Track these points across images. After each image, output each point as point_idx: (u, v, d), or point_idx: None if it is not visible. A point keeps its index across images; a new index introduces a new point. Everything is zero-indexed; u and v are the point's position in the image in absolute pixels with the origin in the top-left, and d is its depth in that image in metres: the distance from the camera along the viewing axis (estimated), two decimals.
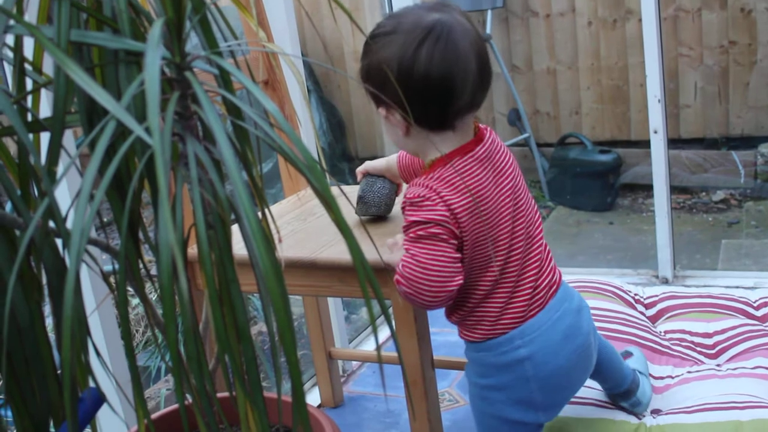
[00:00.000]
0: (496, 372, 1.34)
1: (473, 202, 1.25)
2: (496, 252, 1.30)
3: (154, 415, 1.26)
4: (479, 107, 1.29)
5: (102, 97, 0.64)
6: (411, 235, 1.26)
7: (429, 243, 1.24)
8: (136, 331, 2.69)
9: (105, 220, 0.93)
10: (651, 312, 2.19)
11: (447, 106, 1.24)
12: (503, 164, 1.32)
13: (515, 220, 1.31)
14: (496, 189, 1.30)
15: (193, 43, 0.81)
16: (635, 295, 2.23)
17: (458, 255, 1.26)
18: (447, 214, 1.24)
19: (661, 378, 1.82)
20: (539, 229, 1.36)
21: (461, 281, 1.26)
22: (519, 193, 1.33)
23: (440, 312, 2.59)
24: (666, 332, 2.04)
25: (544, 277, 1.34)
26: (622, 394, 1.64)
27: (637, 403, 1.65)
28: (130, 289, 0.86)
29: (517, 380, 1.33)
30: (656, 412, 1.69)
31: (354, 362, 2.33)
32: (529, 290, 1.33)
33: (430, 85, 1.21)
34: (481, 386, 1.38)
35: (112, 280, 0.88)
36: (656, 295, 2.24)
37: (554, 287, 1.36)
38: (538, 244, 1.35)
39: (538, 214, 1.37)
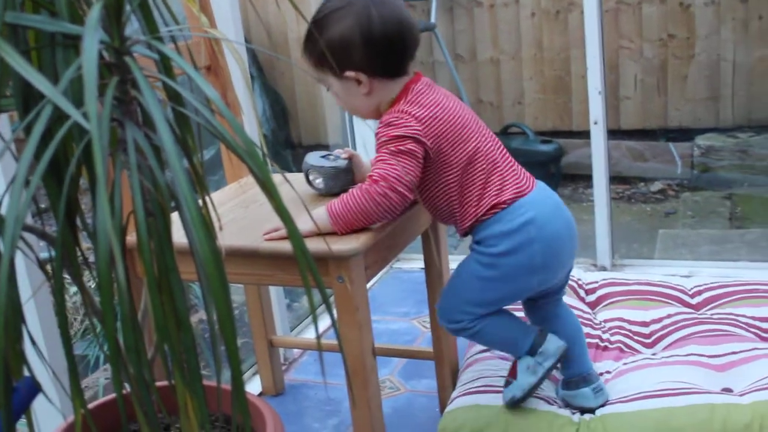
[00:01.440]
0: (506, 238, 1.53)
1: (438, 111, 1.50)
2: (476, 148, 1.53)
3: (91, 405, 1.24)
4: (415, 56, 1.56)
5: (38, 81, 0.63)
6: (391, 148, 1.47)
7: (405, 157, 1.46)
8: (75, 319, 2.65)
9: (42, 206, 0.92)
10: (591, 298, 2.22)
11: (404, 53, 1.51)
12: (443, 90, 1.57)
13: (478, 123, 1.56)
14: (452, 102, 1.55)
15: (134, 27, 0.80)
16: (578, 279, 2.26)
17: (421, 172, 1.49)
18: (420, 128, 1.48)
19: (601, 374, 1.85)
20: (492, 133, 1.60)
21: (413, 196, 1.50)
22: (468, 108, 1.58)
23: (382, 299, 2.61)
24: (605, 321, 2.07)
25: (521, 168, 1.60)
26: (585, 377, 1.69)
27: (599, 389, 1.70)
28: (68, 276, 0.85)
29: (524, 243, 1.53)
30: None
31: (296, 350, 2.33)
32: (516, 171, 1.57)
33: (389, 38, 1.48)
34: (493, 255, 1.55)
35: (48, 267, 0.86)
36: (596, 282, 2.27)
37: (533, 178, 1.61)
38: (500, 142, 1.60)
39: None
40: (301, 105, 4.53)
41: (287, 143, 4.46)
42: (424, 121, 1.48)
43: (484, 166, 1.54)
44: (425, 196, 1.58)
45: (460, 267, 1.63)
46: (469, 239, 1.63)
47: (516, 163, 1.59)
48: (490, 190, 1.54)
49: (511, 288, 1.59)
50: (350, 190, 1.48)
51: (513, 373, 1.68)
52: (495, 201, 1.54)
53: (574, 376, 1.70)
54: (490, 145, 1.56)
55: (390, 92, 1.53)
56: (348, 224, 1.46)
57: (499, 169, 1.55)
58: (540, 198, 1.57)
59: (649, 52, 4.09)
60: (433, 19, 4.04)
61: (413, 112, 1.48)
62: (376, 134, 1.51)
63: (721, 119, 4.10)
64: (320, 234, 1.47)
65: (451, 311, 1.63)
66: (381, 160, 1.47)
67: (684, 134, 4.14)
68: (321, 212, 1.48)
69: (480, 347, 1.90)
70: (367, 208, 1.45)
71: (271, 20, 4.42)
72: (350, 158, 1.73)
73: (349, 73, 1.50)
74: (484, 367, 1.82)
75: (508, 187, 1.54)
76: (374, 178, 1.46)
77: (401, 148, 1.46)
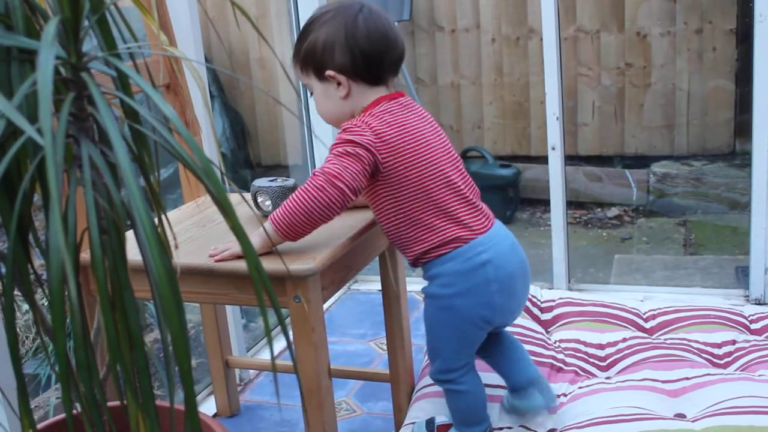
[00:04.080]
0: (461, 278, 1.55)
1: (399, 131, 1.52)
2: (435, 175, 1.53)
3: (40, 425, 1.22)
4: (398, 72, 1.61)
5: None
6: (339, 149, 1.48)
7: (350, 158, 1.47)
8: (27, 337, 2.61)
9: None
10: (546, 316, 2.23)
11: (384, 60, 1.55)
12: (425, 113, 1.60)
13: (447, 153, 1.57)
14: (424, 125, 1.56)
15: (92, 43, 0.80)
16: (532, 296, 2.27)
17: (366, 178, 1.50)
18: (373, 140, 1.49)
19: (557, 396, 1.86)
20: (462, 167, 1.61)
21: (355, 198, 1.48)
22: (443, 136, 1.60)
23: (340, 320, 2.60)
24: (560, 341, 2.09)
25: (481, 203, 1.60)
26: (534, 382, 1.72)
27: (550, 395, 1.74)
28: (19, 293, 0.83)
29: (481, 283, 1.55)
30: (551, 431, 1.72)
31: (252, 371, 2.31)
32: (478, 209, 1.58)
33: (372, 42, 1.52)
34: (448, 296, 1.57)
35: None
36: (553, 300, 2.28)
37: (491, 214, 1.62)
38: (468, 177, 1.61)
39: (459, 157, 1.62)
40: (261, 125, 4.52)
41: (246, 163, 4.44)
42: (380, 135, 1.50)
43: (443, 199, 1.54)
44: (378, 214, 1.58)
45: (425, 322, 1.64)
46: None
47: (479, 201, 1.60)
48: (444, 224, 1.54)
49: (473, 323, 1.59)
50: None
51: (440, 431, 1.73)
52: (447, 237, 1.54)
53: (522, 383, 1.72)
54: (455, 179, 1.56)
55: (366, 100, 1.55)
56: (292, 228, 1.45)
57: (458, 205, 1.55)
58: (497, 237, 1.58)
59: (607, 79, 4.16)
60: None
61: (372, 124, 1.50)
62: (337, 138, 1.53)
63: (676, 147, 4.17)
64: (268, 253, 1.47)
65: (440, 366, 1.65)
66: (327, 159, 1.49)
67: (640, 161, 4.20)
68: (265, 225, 1.48)
69: (428, 380, 1.91)
70: (306, 205, 1.44)
71: (232, 40, 4.41)
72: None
73: (330, 73, 1.53)
74: (431, 406, 1.82)
75: (463, 225, 1.55)
76: (315, 173, 1.47)
77: (348, 150, 1.47)
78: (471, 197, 1.57)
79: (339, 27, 1.53)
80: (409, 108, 1.57)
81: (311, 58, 1.54)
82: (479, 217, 1.57)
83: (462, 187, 1.56)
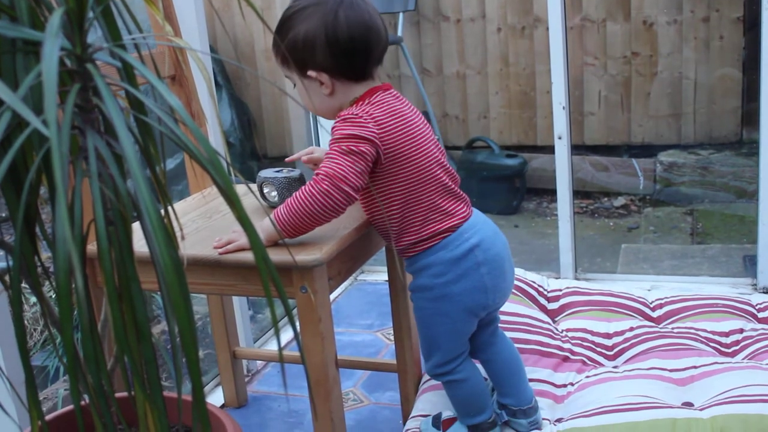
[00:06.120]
0: (452, 266, 1.55)
1: (398, 121, 1.50)
2: (429, 166, 1.52)
3: (49, 416, 1.22)
4: (382, 62, 1.56)
5: None
6: (343, 146, 1.44)
7: (355, 157, 1.44)
8: (34, 329, 2.61)
9: (0, 214, 0.90)
10: (553, 306, 2.23)
11: (369, 56, 1.51)
12: (411, 104, 1.58)
13: (434, 143, 1.56)
14: (414, 117, 1.54)
15: (97, 34, 0.80)
16: (539, 286, 2.27)
17: (369, 174, 1.47)
18: (376, 131, 1.46)
19: (564, 386, 1.86)
20: (446, 155, 1.61)
21: (358, 196, 1.48)
22: (428, 126, 1.58)
23: (347, 311, 2.60)
24: (567, 330, 2.09)
25: (463, 193, 1.60)
26: (525, 410, 1.71)
27: (535, 423, 1.71)
28: (27, 286, 0.84)
29: (471, 268, 1.55)
30: (558, 420, 1.73)
31: (259, 362, 2.31)
32: (462, 198, 1.58)
33: (354, 40, 1.47)
34: (441, 285, 1.56)
35: (6, 277, 0.85)
36: (560, 290, 2.28)
37: (469, 200, 1.62)
38: (450, 166, 1.60)
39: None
40: (267, 116, 4.51)
41: (253, 154, 4.44)
42: (381, 124, 1.47)
43: (433, 189, 1.53)
44: (367, 204, 1.56)
45: (417, 318, 1.63)
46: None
47: (459, 189, 1.59)
48: (435, 216, 1.54)
49: (467, 309, 1.58)
50: (295, 193, 1.47)
51: (445, 425, 1.72)
52: (438, 228, 1.53)
53: (512, 405, 1.71)
54: (443, 169, 1.55)
55: (353, 94, 1.52)
56: (296, 228, 1.45)
57: (446, 195, 1.55)
58: (480, 222, 1.58)
59: (613, 68, 4.14)
60: (399, 33, 4.05)
61: (373, 113, 1.47)
62: (332, 129, 1.48)
63: (683, 136, 4.15)
64: (274, 244, 1.47)
65: (439, 359, 1.64)
66: (330, 157, 1.45)
67: (646, 150, 4.18)
68: (267, 221, 1.47)
69: None
70: (311, 209, 1.42)
71: (237, 31, 4.41)
72: (312, 153, 1.73)
73: (311, 73, 1.49)
74: (438, 398, 1.82)
75: (451, 215, 1.55)
76: (320, 175, 1.44)
77: (353, 147, 1.44)
78: (455, 186, 1.57)
79: (319, 24, 1.47)
80: (399, 98, 1.55)
81: (292, 55, 1.49)
82: (462, 205, 1.57)
83: (448, 176, 1.56)
